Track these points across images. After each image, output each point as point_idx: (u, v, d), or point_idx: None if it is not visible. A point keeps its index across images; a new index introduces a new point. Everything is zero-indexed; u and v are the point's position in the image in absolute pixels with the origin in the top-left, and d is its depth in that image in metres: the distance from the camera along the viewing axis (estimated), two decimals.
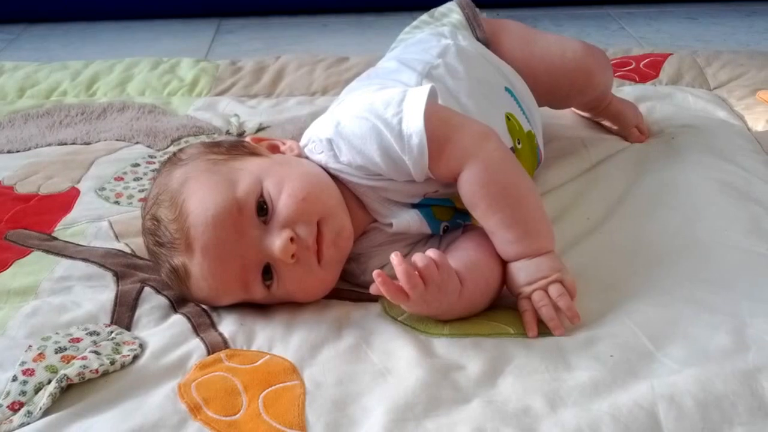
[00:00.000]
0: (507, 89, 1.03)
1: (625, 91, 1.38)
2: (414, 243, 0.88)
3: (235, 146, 0.87)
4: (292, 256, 0.78)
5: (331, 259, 0.81)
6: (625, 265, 0.89)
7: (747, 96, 1.35)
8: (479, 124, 0.86)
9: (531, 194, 0.84)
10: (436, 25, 1.12)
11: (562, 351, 0.76)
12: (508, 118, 0.99)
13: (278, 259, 0.78)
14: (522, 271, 0.81)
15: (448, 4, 1.16)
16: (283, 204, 0.79)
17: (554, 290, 0.79)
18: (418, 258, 0.76)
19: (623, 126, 1.21)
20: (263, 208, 0.79)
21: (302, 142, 0.91)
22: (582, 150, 1.17)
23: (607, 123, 1.24)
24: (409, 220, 0.86)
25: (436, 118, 0.82)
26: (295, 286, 0.81)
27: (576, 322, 0.78)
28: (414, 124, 0.81)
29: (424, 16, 1.15)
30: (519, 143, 0.99)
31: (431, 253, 0.77)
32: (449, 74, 0.97)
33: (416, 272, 0.75)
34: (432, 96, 0.83)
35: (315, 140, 0.87)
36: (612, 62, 1.47)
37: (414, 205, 0.87)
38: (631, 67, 1.48)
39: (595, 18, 2.15)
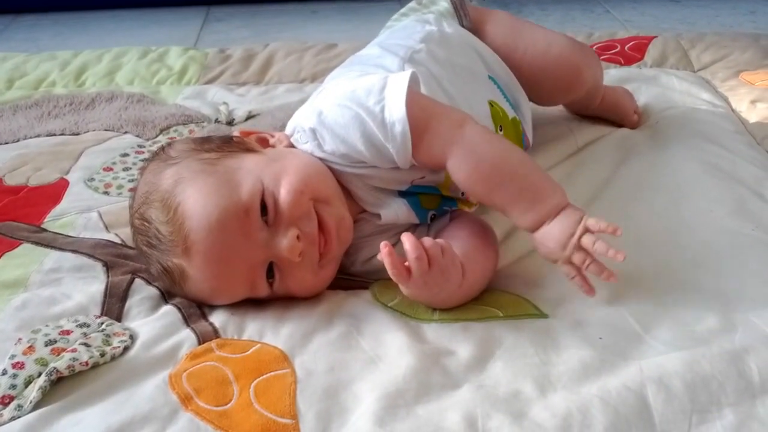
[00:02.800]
0: (490, 77, 1.04)
1: (611, 74, 1.39)
2: (402, 233, 0.88)
3: (226, 142, 0.86)
4: (300, 253, 0.78)
5: (333, 255, 0.82)
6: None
7: (730, 77, 1.36)
8: (456, 111, 0.86)
9: (524, 162, 0.83)
10: (423, 12, 1.12)
11: (552, 334, 0.76)
12: (491, 104, 0.99)
13: (285, 258, 0.78)
14: (548, 238, 0.79)
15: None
16: (283, 200, 0.78)
17: (587, 241, 0.78)
18: (425, 240, 0.77)
19: (623, 116, 1.20)
20: (264, 208, 0.78)
21: (287, 132, 0.90)
22: (568, 134, 1.17)
23: (606, 117, 1.21)
24: (397, 210, 0.86)
25: (416, 106, 0.81)
26: (296, 283, 0.81)
27: (620, 258, 0.76)
28: (396, 111, 0.80)
29: (412, 3, 1.15)
30: (501, 129, 0.99)
31: (438, 240, 0.77)
32: (431, 59, 0.97)
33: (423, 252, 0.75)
34: (413, 81, 0.83)
35: (299, 130, 0.87)
36: (597, 45, 1.49)
37: (401, 194, 0.87)
38: (617, 50, 1.48)
39: (580, 2, 2.15)
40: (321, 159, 0.85)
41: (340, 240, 0.82)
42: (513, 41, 1.11)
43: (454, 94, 0.94)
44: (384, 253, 0.74)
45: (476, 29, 1.12)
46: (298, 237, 0.78)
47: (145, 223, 0.80)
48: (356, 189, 0.86)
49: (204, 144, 0.85)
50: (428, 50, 0.99)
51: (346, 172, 0.85)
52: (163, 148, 0.86)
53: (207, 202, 0.77)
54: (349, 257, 0.87)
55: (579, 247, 0.78)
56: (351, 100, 0.83)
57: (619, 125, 1.19)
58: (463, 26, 1.11)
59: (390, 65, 0.95)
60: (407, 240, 0.75)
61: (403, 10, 1.15)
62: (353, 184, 0.86)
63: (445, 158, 0.82)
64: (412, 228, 0.89)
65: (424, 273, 0.75)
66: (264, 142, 0.89)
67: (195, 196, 0.77)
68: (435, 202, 0.88)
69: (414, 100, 0.82)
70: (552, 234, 0.79)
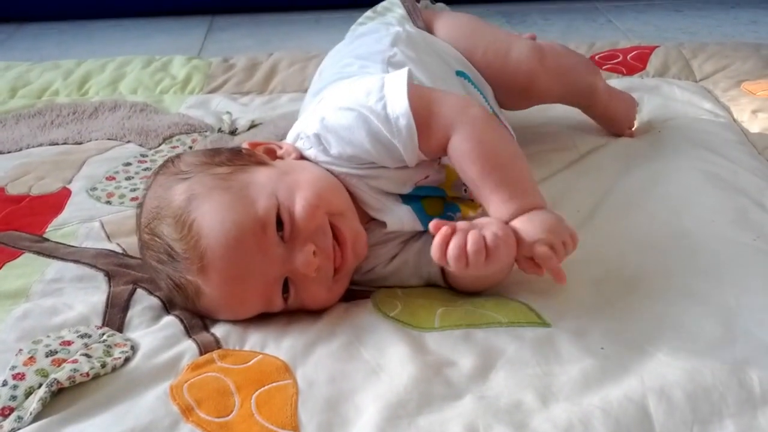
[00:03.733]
0: (458, 72, 1.04)
1: (613, 83, 1.38)
2: (406, 240, 0.88)
3: (236, 155, 0.85)
4: (316, 269, 0.78)
5: (348, 269, 0.82)
6: (614, 258, 0.90)
7: (732, 87, 1.36)
8: (457, 94, 0.87)
9: (518, 154, 0.85)
10: (380, 20, 1.13)
11: (554, 343, 0.76)
12: None
13: (301, 274, 0.78)
14: (526, 228, 0.78)
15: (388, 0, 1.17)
16: (299, 216, 0.78)
17: (557, 241, 0.77)
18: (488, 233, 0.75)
19: (614, 130, 1.20)
20: (279, 223, 0.78)
21: (289, 140, 0.91)
22: (569, 142, 1.17)
23: (600, 123, 1.22)
24: (402, 217, 0.86)
25: (417, 96, 0.83)
26: (310, 297, 0.81)
27: (562, 282, 0.77)
28: (399, 106, 0.81)
29: (368, 13, 1.16)
30: None
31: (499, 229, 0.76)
32: (408, 60, 0.98)
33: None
34: (410, 77, 0.84)
35: (303, 137, 0.87)
36: (599, 55, 1.49)
37: (405, 201, 0.87)
38: (619, 59, 1.48)
39: (583, 11, 2.15)
40: (326, 165, 0.85)
41: (355, 254, 0.82)
42: (472, 42, 1.11)
43: None
44: (439, 231, 0.74)
45: (428, 30, 1.13)
46: (314, 252, 0.78)
47: (156, 239, 0.79)
48: (361, 193, 0.86)
49: (214, 157, 0.84)
50: (401, 52, 1.00)
51: (351, 176, 0.85)
52: (172, 161, 0.86)
53: (224, 219, 0.76)
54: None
55: (546, 244, 0.77)
56: (352, 102, 0.84)
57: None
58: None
59: (375, 73, 0.95)
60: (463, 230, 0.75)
61: (359, 20, 1.16)
62: (358, 188, 0.85)
63: (448, 137, 0.82)
64: (416, 235, 0.88)
65: (480, 265, 0.74)
66: (272, 153, 0.88)
67: (210, 213, 0.77)
68: (439, 207, 0.88)
69: (414, 92, 0.83)
70: (531, 225, 0.78)
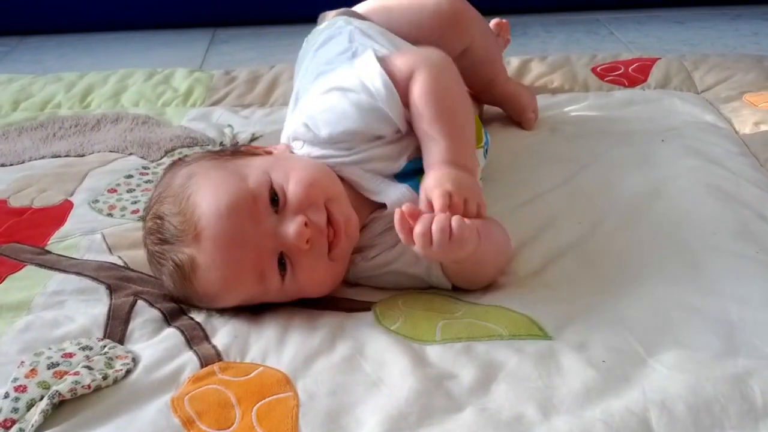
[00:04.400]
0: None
1: (615, 96, 1.39)
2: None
3: (237, 150, 0.91)
4: (307, 241, 0.79)
5: (342, 250, 0.83)
6: (616, 270, 0.90)
7: (734, 99, 1.35)
8: (416, 47, 0.96)
9: (470, 111, 0.91)
10: (331, 29, 1.13)
11: (555, 356, 0.76)
12: None
13: (293, 245, 0.79)
14: (442, 174, 0.82)
15: (322, 25, 1.18)
16: (292, 191, 0.81)
17: (461, 198, 0.79)
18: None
19: (519, 111, 1.26)
20: (274, 199, 0.81)
21: (282, 141, 0.94)
22: (569, 153, 1.18)
23: (504, 109, 1.28)
24: (401, 195, 0.87)
25: (384, 61, 0.90)
26: (308, 276, 0.82)
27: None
28: (372, 72, 0.88)
29: (308, 36, 1.19)
30: None
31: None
32: (369, 48, 0.99)
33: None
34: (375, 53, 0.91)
35: (293, 135, 0.91)
36: (601, 67, 1.49)
37: (401, 180, 0.89)
38: (620, 71, 1.48)
39: (584, 24, 2.16)
40: (320, 158, 0.88)
41: (348, 236, 0.83)
42: (388, 21, 1.14)
43: None
44: (404, 210, 0.77)
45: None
46: (306, 224, 0.79)
47: (158, 221, 0.82)
48: (358, 179, 0.88)
49: (218, 152, 0.91)
50: (361, 44, 1.03)
51: (345, 165, 0.88)
52: (181, 158, 0.92)
53: (217, 190, 0.80)
54: (361, 252, 0.89)
55: (447, 196, 0.79)
56: (330, 87, 0.90)
57: (518, 122, 1.26)
58: None
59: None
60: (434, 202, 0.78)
61: (310, 37, 1.18)
62: (355, 174, 0.88)
63: (412, 72, 0.88)
64: None
65: (445, 243, 0.76)
66: (269, 154, 0.92)
67: (205, 186, 0.80)
68: None
69: (382, 58, 0.90)
70: (454, 177, 0.81)
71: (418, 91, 0.87)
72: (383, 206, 0.89)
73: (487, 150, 1.07)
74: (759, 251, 0.91)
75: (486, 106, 1.31)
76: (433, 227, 0.76)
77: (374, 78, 0.87)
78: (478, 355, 0.77)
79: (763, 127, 1.24)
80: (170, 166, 0.90)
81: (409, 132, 0.89)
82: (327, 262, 0.82)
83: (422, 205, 0.81)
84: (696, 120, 1.28)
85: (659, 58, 1.52)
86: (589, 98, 1.38)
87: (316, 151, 0.89)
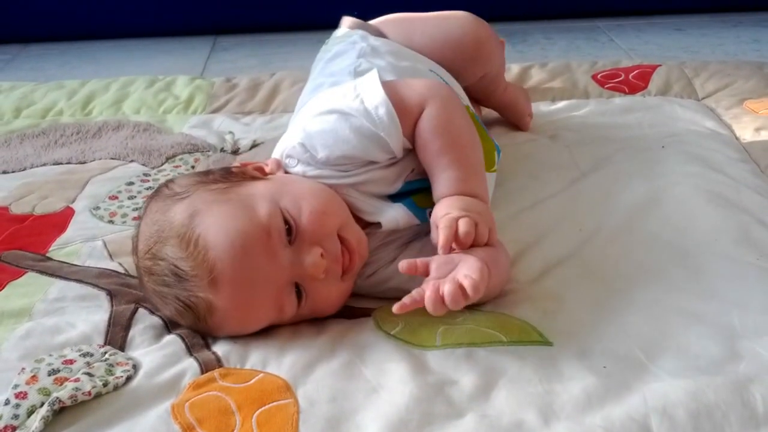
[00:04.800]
0: (432, 71, 1.06)
1: (615, 102, 1.39)
2: (406, 243, 0.89)
3: (229, 173, 0.86)
4: (324, 270, 0.79)
5: (354, 271, 0.83)
6: (617, 276, 0.90)
7: (734, 105, 1.36)
8: (423, 78, 0.94)
9: (478, 144, 0.90)
10: (345, 42, 1.13)
11: (556, 362, 0.76)
12: None
13: (310, 276, 0.79)
14: (451, 202, 0.82)
15: (341, 31, 1.18)
16: (306, 222, 0.79)
17: (466, 222, 0.79)
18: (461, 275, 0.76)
19: (518, 116, 1.28)
20: (287, 229, 0.79)
21: (275, 157, 0.92)
22: (569, 159, 1.18)
23: (502, 114, 1.30)
24: (396, 216, 0.87)
25: (389, 87, 0.88)
26: (323, 300, 0.82)
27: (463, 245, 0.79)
28: (376, 97, 0.86)
29: (324, 46, 1.18)
30: None
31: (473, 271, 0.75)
32: (373, 67, 0.99)
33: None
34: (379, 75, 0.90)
35: (288, 154, 0.89)
36: (602, 74, 1.49)
37: (395, 200, 0.88)
38: (621, 78, 1.49)
39: (584, 31, 2.16)
40: (314, 177, 0.87)
41: (361, 255, 0.84)
42: (410, 41, 1.15)
43: None
44: (410, 302, 0.75)
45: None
46: (321, 255, 0.78)
47: (159, 262, 0.78)
48: (354, 200, 0.87)
49: (207, 176, 0.85)
50: (367, 62, 1.02)
51: (341, 186, 0.87)
52: (165, 185, 0.86)
53: (229, 229, 0.76)
54: (358, 273, 0.88)
55: (469, 219, 0.79)
56: (329, 107, 0.87)
57: (515, 125, 1.29)
58: None
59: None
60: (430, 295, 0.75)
61: (326, 47, 1.17)
62: (350, 196, 0.87)
63: (422, 108, 0.87)
64: (416, 237, 0.89)
65: (459, 301, 0.75)
66: (261, 171, 0.90)
67: (215, 225, 0.77)
68: (429, 199, 0.88)
69: (387, 84, 0.89)
70: (461, 203, 0.82)
71: (428, 124, 0.86)
72: (376, 222, 0.88)
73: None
74: (760, 257, 0.91)
75: (484, 110, 1.32)
76: (448, 302, 0.74)
77: (378, 105, 0.85)
78: (479, 361, 0.77)
79: (764, 134, 1.24)
80: (157, 195, 0.84)
81: (405, 155, 0.89)
82: (339, 285, 0.82)
83: (433, 234, 0.82)
84: (697, 127, 1.28)
85: (660, 65, 1.52)
86: (589, 105, 1.39)
87: (311, 171, 0.87)
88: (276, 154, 0.92)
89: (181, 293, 0.78)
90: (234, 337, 0.81)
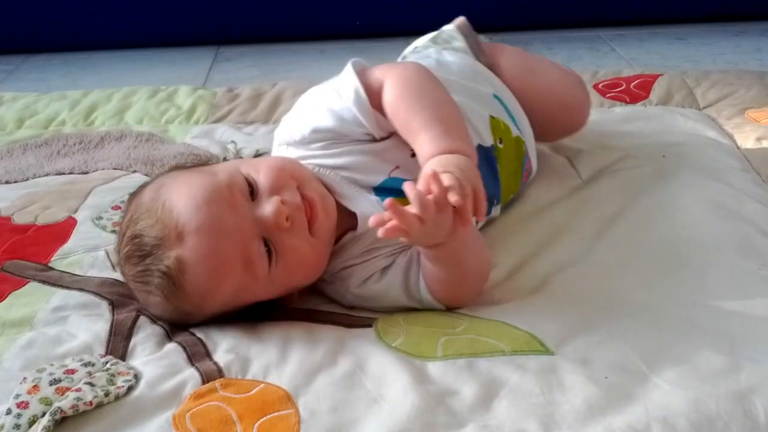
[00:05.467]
0: (495, 96, 1.05)
1: (616, 111, 1.40)
2: (391, 254, 0.89)
3: (202, 163, 0.95)
4: (287, 219, 0.80)
5: (321, 226, 0.84)
6: (618, 286, 0.90)
7: (736, 115, 1.36)
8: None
9: (449, 101, 0.88)
10: (422, 53, 1.13)
11: (557, 372, 0.76)
12: (492, 117, 1.01)
13: (274, 225, 0.80)
14: (432, 161, 0.80)
15: (449, 30, 1.18)
16: (263, 177, 0.83)
17: (448, 176, 0.76)
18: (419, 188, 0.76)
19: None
20: (249, 191, 0.82)
21: (273, 153, 0.97)
22: (569, 167, 1.18)
23: None
24: (371, 207, 0.86)
25: (364, 73, 0.90)
26: (293, 256, 0.82)
27: (465, 221, 0.77)
28: (347, 79, 0.90)
29: (427, 41, 1.17)
30: (501, 143, 1.00)
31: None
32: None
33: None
34: (360, 64, 0.92)
35: (278, 140, 0.95)
36: (603, 83, 1.50)
37: (377, 194, 0.88)
38: (622, 88, 1.49)
39: (586, 40, 2.17)
40: (301, 158, 0.90)
41: (326, 211, 0.84)
42: (530, 79, 1.13)
43: None
44: (388, 210, 0.74)
45: (491, 64, 1.14)
46: (282, 203, 0.81)
47: (135, 239, 0.81)
48: (332, 182, 0.89)
49: (181, 165, 0.94)
50: (429, 66, 1.00)
51: (324, 167, 0.89)
52: (141, 185, 0.90)
53: (190, 188, 0.81)
54: (344, 283, 0.88)
55: (433, 175, 0.76)
56: (309, 94, 0.95)
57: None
58: (481, 63, 1.13)
59: None
60: (410, 192, 0.75)
61: (416, 48, 1.17)
62: (329, 178, 0.89)
63: (382, 84, 0.88)
64: (402, 249, 0.89)
65: (438, 221, 0.76)
66: None
67: (177, 188, 0.82)
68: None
69: (364, 71, 0.91)
70: (444, 161, 0.79)
71: (388, 95, 0.88)
72: (355, 223, 0.88)
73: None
74: (761, 267, 0.91)
75: None
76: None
77: (347, 83, 0.89)
78: (480, 371, 0.76)
79: (765, 143, 1.24)
80: (133, 193, 0.88)
81: (390, 146, 0.90)
82: (309, 239, 0.83)
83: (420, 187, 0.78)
84: (698, 136, 1.28)
85: (661, 75, 1.53)
86: (590, 114, 1.39)
87: (293, 152, 0.92)
88: (274, 145, 0.98)
89: (156, 262, 0.80)
90: (235, 346, 0.81)
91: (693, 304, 0.85)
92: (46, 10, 2.19)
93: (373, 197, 0.88)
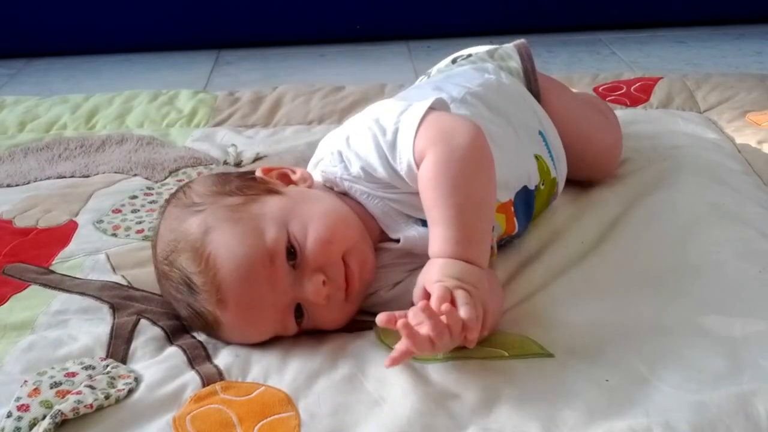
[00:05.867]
0: (540, 133, 1.04)
1: (617, 114, 1.39)
2: (413, 269, 0.88)
3: (249, 184, 0.86)
4: (325, 297, 0.79)
5: (357, 294, 0.83)
6: (619, 290, 0.89)
7: (737, 118, 1.36)
8: (466, 118, 0.86)
9: (487, 203, 0.81)
10: (479, 65, 1.11)
11: (558, 375, 0.76)
12: (537, 158, 1.00)
13: (311, 301, 0.80)
14: (445, 266, 0.76)
15: (508, 48, 1.15)
16: (310, 249, 0.80)
17: (462, 295, 0.73)
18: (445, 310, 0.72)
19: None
20: (291, 253, 0.80)
21: (317, 156, 0.93)
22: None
23: None
24: (416, 236, 0.86)
25: (430, 127, 0.82)
26: (324, 320, 0.83)
27: (470, 344, 0.73)
28: (407, 136, 0.82)
29: (483, 54, 1.14)
30: (543, 185, 1.00)
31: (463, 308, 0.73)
32: (484, 103, 0.98)
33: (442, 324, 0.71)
34: (439, 105, 0.86)
35: (329, 153, 0.89)
36: (603, 87, 1.50)
37: (425, 224, 0.86)
38: (622, 91, 1.49)
39: (586, 44, 2.17)
40: (350, 183, 0.87)
41: (363, 281, 0.83)
42: (575, 124, 1.11)
43: (501, 138, 0.94)
44: (405, 334, 0.72)
45: (538, 94, 1.11)
46: (324, 282, 0.79)
47: (175, 270, 0.81)
48: (380, 213, 0.87)
49: (225, 186, 0.85)
50: (483, 95, 1.00)
51: (372, 197, 0.87)
52: (183, 192, 0.87)
53: (236, 253, 0.78)
54: None
55: (462, 290, 0.74)
56: (373, 121, 0.86)
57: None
58: (530, 89, 1.10)
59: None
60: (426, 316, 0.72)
61: (470, 56, 1.14)
62: (378, 209, 0.87)
63: (424, 154, 0.81)
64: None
65: (447, 345, 0.73)
66: (285, 178, 0.89)
67: (224, 246, 0.78)
68: None
69: (430, 122, 0.82)
70: (452, 268, 0.75)
71: (423, 170, 0.81)
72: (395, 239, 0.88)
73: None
74: (762, 270, 0.91)
75: None
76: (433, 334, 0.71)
77: (404, 147, 0.82)
78: (481, 374, 0.76)
79: (766, 146, 1.24)
80: (175, 200, 0.86)
81: None
82: (344, 305, 0.83)
83: (415, 295, 0.77)
84: (699, 139, 1.28)
85: (661, 78, 1.53)
86: None
87: (347, 176, 0.87)
88: (322, 146, 0.93)
89: (193, 302, 0.80)
90: (235, 349, 0.82)
91: (693, 306, 0.85)
92: (47, 14, 2.20)
93: (421, 228, 0.86)
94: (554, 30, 2.26)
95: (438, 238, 0.78)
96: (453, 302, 0.73)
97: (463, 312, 0.73)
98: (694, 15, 2.26)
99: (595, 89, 1.49)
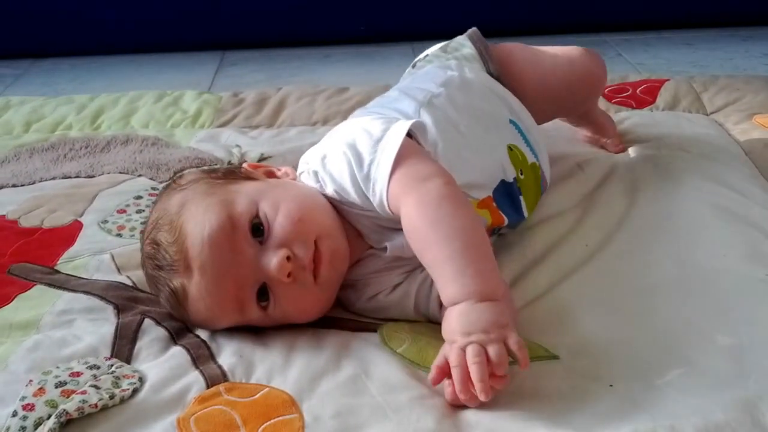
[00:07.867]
0: (511, 121, 1.04)
1: (622, 116, 1.39)
2: (410, 270, 0.88)
3: (232, 171, 0.90)
4: (288, 274, 0.79)
5: (327, 279, 0.82)
6: (624, 293, 0.89)
7: (743, 120, 1.35)
8: (434, 164, 0.84)
9: (474, 233, 0.78)
10: (446, 58, 1.13)
11: (563, 380, 0.75)
12: (510, 148, 1.00)
13: (274, 278, 0.79)
14: (462, 318, 0.73)
15: (459, 39, 1.17)
16: (278, 224, 0.81)
17: (492, 352, 0.71)
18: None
19: (605, 134, 1.26)
20: (259, 229, 0.80)
21: (299, 169, 0.92)
22: (578, 172, 1.17)
23: (587, 132, 1.28)
24: (404, 243, 0.85)
25: (405, 175, 0.81)
26: (292, 305, 0.82)
27: (484, 397, 0.70)
28: (382, 170, 0.81)
29: (437, 50, 1.16)
30: (522, 174, 1.00)
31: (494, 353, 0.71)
32: (450, 104, 0.99)
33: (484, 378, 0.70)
34: (416, 129, 0.87)
35: (307, 171, 0.89)
36: (609, 89, 1.50)
37: None
38: (628, 93, 1.49)
39: (592, 45, 2.13)
40: (330, 197, 0.86)
41: (333, 267, 0.83)
42: (541, 69, 1.15)
43: (470, 138, 0.95)
44: (450, 392, 0.72)
45: (502, 71, 1.13)
46: (288, 258, 0.79)
47: (155, 246, 0.83)
48: (363, 228, 0.87)
49: (211, 173, 0.90)
50: (447, 95, 1.00)
51: (352, 212, 0.86)
52: (174, 179, 0.91)
53: (203, 219, 0.80)
54: (356, 293, 0.88)
55: (480, 346, 0.71)
56: (349, 147, 0.85)
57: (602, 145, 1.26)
58: (489, 71, 1.12)
59: (407, 109, 0.96)
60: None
61: (427, 56, 1.16)
62: (360, 223, 0.87)
63: (398, 209, 0.80)
64: (420, 266, 0.87)
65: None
66: (271, 175, 0.92)
67: (194, 216, 0.81)
68: None
69: (404, 160, 0.81)
70: (468, 317, 0.73)
71: (404, 224, 0.80)
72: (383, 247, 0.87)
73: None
74: None
75: None
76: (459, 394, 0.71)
77: (378, 180, 0.82)
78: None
79: None
80: (166, 187, 0.90)
81: None
82: (314, 289, 0.82)
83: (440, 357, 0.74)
84: (705, 141, 1.27)
85: (668, 80, 1.52)
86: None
87: (327, 191, 0.86)
88: (302, 161, 0.92)
89: (168, 276, 0.82)
90: (239, 350, 0.81)
91: (699, 310, 0.85)
92: (53, 14, 2.20)
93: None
94: (559, 31, 2.25)
95: (439, 285, 0.77)
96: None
97: (472, 372, 0.70)
98: (701, 17, 2.25)
99: None
